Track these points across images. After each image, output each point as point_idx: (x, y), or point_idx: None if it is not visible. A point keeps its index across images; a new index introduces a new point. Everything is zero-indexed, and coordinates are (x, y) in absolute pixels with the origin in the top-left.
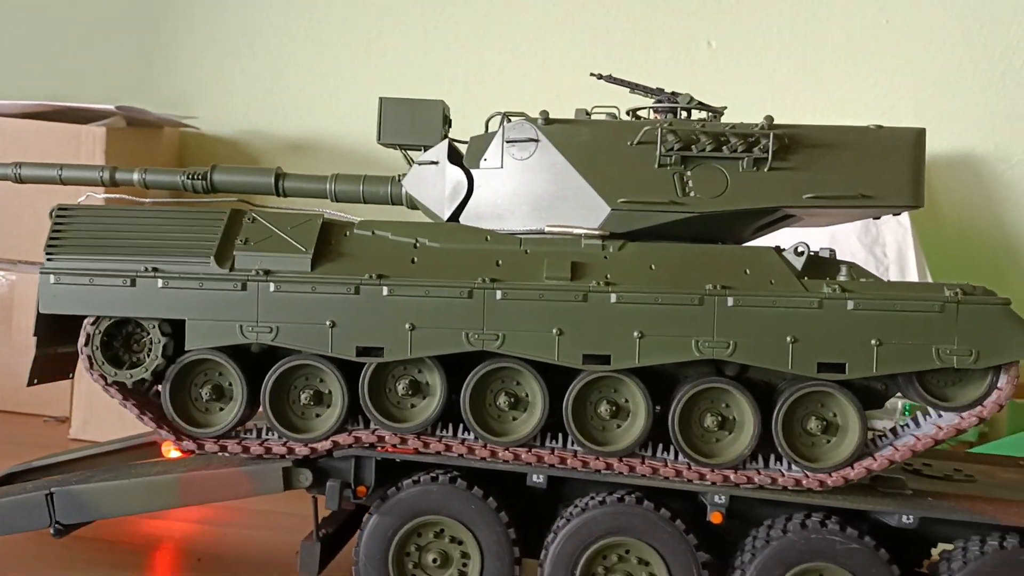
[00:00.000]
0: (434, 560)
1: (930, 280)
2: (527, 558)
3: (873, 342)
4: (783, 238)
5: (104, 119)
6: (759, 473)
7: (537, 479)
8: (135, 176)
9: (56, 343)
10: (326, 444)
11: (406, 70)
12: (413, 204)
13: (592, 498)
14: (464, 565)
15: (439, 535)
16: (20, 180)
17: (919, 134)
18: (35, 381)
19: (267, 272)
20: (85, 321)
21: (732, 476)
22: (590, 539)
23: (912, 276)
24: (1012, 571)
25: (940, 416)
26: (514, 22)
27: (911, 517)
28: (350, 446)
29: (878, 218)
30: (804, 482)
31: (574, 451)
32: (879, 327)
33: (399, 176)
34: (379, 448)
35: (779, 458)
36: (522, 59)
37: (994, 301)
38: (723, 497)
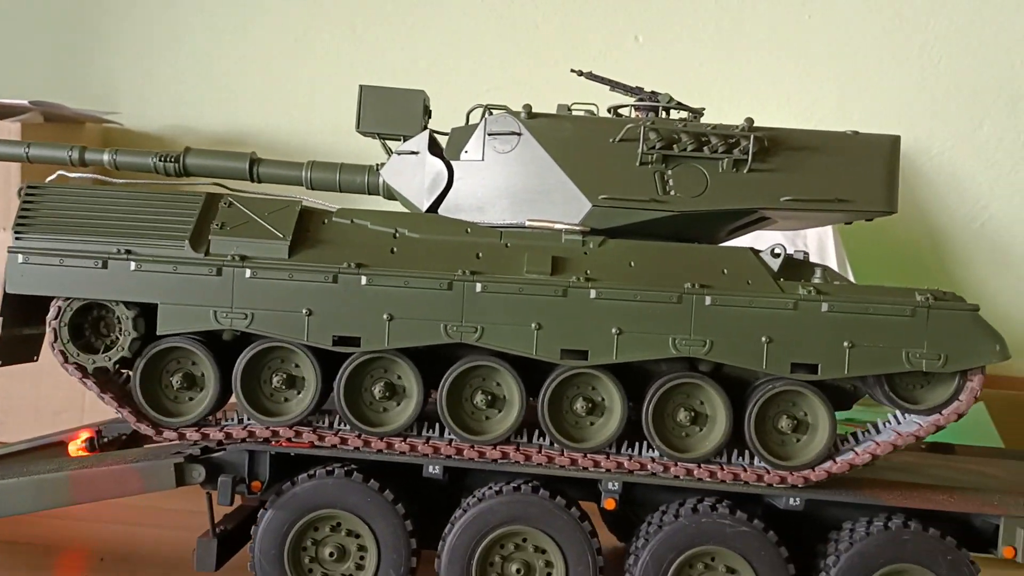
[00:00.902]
0: (331, 554)
1: (850, 273)
2: (428, 549)
3: (845, 344)
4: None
5: (19, 115)
6: (722, 469)
7: (433, 470)
8: (105, 157)
9: (22, 324)
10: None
11: (335, 64)
12: (390, 194)
13: (490, 488)
14: (361, 558)
15: (336, 529)
16: None
17: (894, 141)
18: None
19: (243, 257)
20: (53, 303)
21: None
22: (487, 528)
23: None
24: (895, 549)
25: (903, 420)
26: (442, 16)
27: (798, 499)
28: (243, 440)
29: (850, 223)
30: (766, 478)
31: (471, 443)
32: (852, 329)
33: (377, 165)
34: (273, 442)
35: (743, 454)
36: (451, 53)
37: (963, 307)
38: (616, 484)
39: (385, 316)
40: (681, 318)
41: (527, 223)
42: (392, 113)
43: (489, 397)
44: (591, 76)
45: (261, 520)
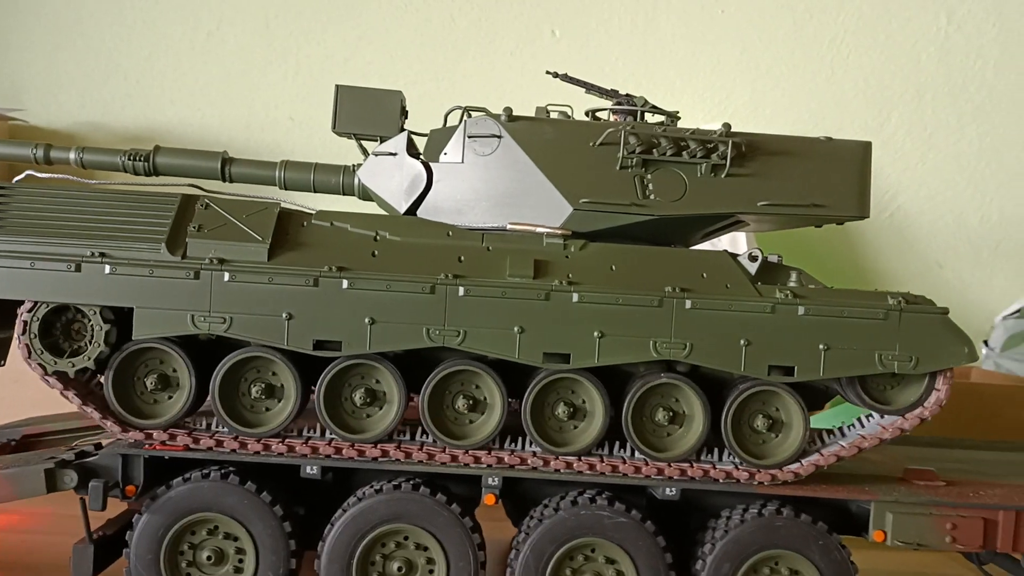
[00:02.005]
0: (208, 557)
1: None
2: (314, 551)
3: (821, 347)
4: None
5: None
6: (601, 461)
7: (311, 471)
8: (71, 155)
9: None
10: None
11: (248, 59)
12: (366, 195)
13: (371, 487)
14: (240, 561)
15: (213, 532)
16: None
17: (865, 147)
18: None
19: (221, 261)
20: (23, 306)
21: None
22: (367, 527)
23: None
24: (768, 536)
25: (882, 418)
26: (357, 10)
27: (673, 490)
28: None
29: (820, 226)
30: (751, 477)
31: (351, 442)
32: (827, 332)
33: (354, 166)
34: (146, 446)
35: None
36: (367, 47)
37: (934, 310)
38: (496, 479)
39: (367, 320)
40: (662, 321)
41: (509, 226)
42: (368, 113)
43: (471, 401)
44: (567, 78)
45: (136, 525)
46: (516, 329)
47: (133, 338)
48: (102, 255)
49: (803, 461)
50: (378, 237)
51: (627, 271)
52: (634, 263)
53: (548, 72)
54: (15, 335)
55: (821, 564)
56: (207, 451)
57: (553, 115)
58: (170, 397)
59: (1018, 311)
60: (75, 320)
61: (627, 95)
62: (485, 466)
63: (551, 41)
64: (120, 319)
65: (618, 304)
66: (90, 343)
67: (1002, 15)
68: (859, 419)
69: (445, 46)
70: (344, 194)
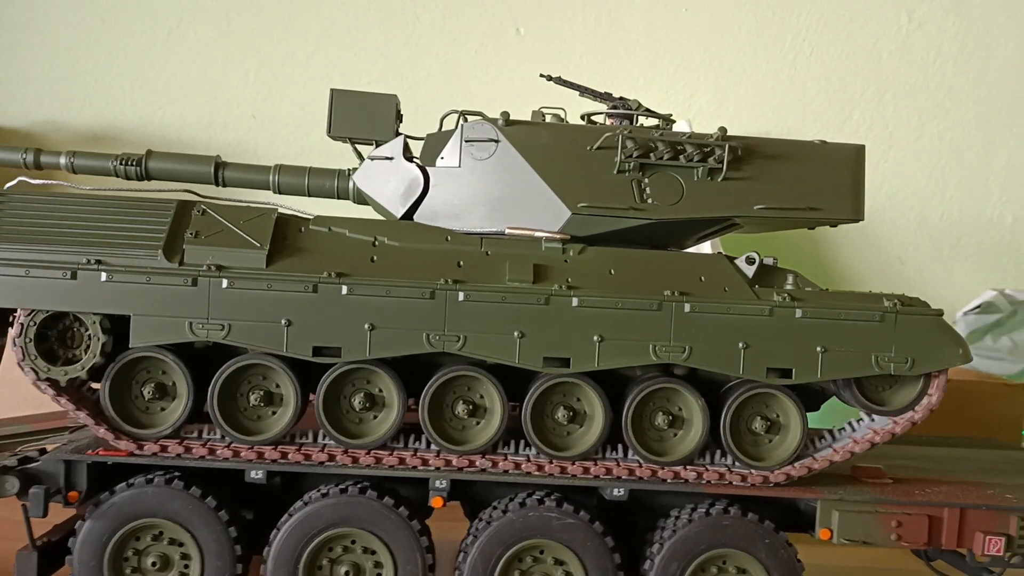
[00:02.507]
0: (153, 564)
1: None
2: (260, 554)
3: (818, 349)
4: None
5: None
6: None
7: (256, 475)
8: (62, 160)
9: None
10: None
11: (209, 57)
12: (361, 199)
13: (317, 491)
14: (185, 567)
15: (158, 538)
16: None
17: (859, 151)
18: None
19: (219, 267)
20: (18, 314)
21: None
22: (313, 532)
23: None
24: (715, 535)
25: (872, 420)
26: (319, 7)
27: (621, 490)
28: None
29: (812, 228)
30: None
31: (298, 446)
32: (824, 335)
33: (349, 170)
34: (88, 451)
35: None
36: (329, 44)
37: (929, 312)
38: (444, 482)
39: (366, 326)
40: (661, 325)
41: (507, 231)
42: (364, 117)
43: (471, 406)
44: (560, 81)
45: (79, 531)
46: (516, 334)
47: (130, 346)
48: (98, 262)
49: (795, 464)
50: (376, 242)
51: (626, 275)
52: (632, 267)
53: (542, 75)
54: (10, 337)
55: (768, 562)
56: (151, 456)
57: (548, 118)
58: (163, 409)
59: (979, 307)
60: (71, 327)
61: (621, 98)
62: (433, 469)
63: (515, 39)
64: (116, 328)
65: (617, 308)
66: (85, 352)
67: (961, 14)
68: (850, 423)
69: (408, 44)
70: (339, 198)
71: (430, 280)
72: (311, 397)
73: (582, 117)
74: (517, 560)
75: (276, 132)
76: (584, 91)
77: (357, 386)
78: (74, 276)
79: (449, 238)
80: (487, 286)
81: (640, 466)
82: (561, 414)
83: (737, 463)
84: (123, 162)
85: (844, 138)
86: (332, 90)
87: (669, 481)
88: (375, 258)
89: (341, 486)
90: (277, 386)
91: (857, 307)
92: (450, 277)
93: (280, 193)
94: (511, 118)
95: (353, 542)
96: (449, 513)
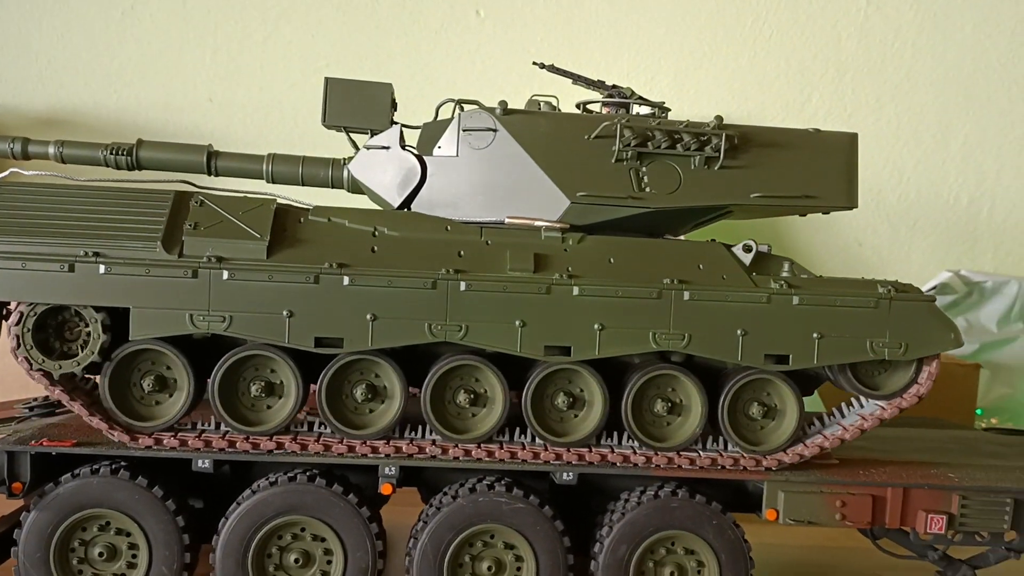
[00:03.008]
0: (100, 554)
1: None
2: (209, 544)
3: (815, 335)
4: None
5: None
6: (502, 447)
7: (203, 464)
8: (50, 149)
9: None
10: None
11: (165, 39)
12: (356, 188)
13: (266, 479)
14: (133, 556)
15: (104, 528)
16: None
17: (852, 139)
18: None
19: (220, 259)
20: (15, 307)
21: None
22: (262, 520)
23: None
24: (664, 517)
25: (861, 407)
26: None
27: (571, 474)
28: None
29: (804, 215)
30: (742, 462)
31: (245, 435)
32: (820, 321)
33: (345, 159)
34: (32, 442)
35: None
36: (286, 27)
37: (921, 298)
38: (392, 468)
39: (368, 316)
40: (661, 313)
41: (507, 220)
42: (359, 106)
43: (472, 395)
44: (553, 69)
45: (24, 523)
46: (518, 323)
47: (131, 339)
48: (96, 254)
49: (787, 450)
50: (377, 232)
51: (625, 263)
52: (632, 255)
53: (535, 63)
54: (8, 324)
55: (715, 543)
56: (95, 446)
57: (541, 106)
58: (158, 403)
59: (934, 288)
60: (69, 321)
61: (614, 86)
62: (383, 456)
63: (476, 21)
64: (115, 320)
65: (617, 296)
66: (82, 348)
67: None
68: (837, 408)
69: (368, 26)
70: (333, 187)
71: (431, 270)
72: (311, 388)
73: (577, 106)
74: (467, 545)
75: (234, 114)
76: (577, 79)
77: (356, 378)
78: (72, 269)
79: (449, 228)
80: (489, 276)
81: (590, 451)
82: (561, 400)
83: (738, 448)
84: (113, 151)
85: (804, 120)
86: (327, 79)
87: (619, 465)
88: (376, 248)
89: (290, 474)
90: (273, 371)
91: (852, 293)
92: (451, 267)
93: (273, 182)
94: (509, 107)
95: (303, 530)
96: (407, 498)
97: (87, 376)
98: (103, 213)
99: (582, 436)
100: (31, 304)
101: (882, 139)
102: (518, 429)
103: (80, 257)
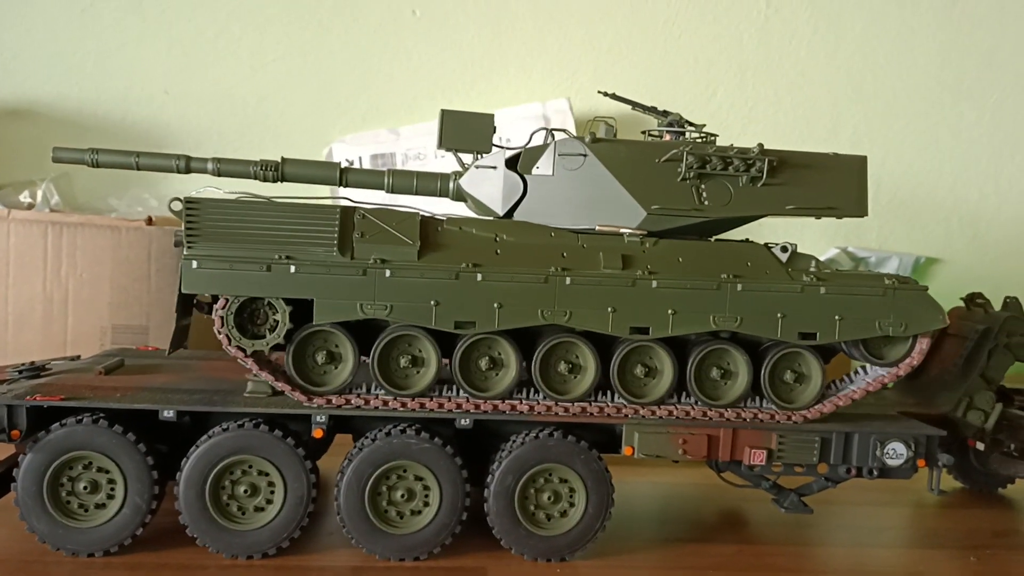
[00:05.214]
0: (85, 487)
1: None
2: (173, 481)
3: (837, 317)
4: None
5: None
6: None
7: (167, 415)
8: (209, 165)
9: (182, 318)
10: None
11: (123, 35)
12: (459, 197)
13: (219, 427)
14: (112, 489)
15: (88, 467)
16: (97, 165)
17: (862, 160)
18: (172, 350)
19: (383, 260)
20: (218, 304)
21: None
22: (216, 459)
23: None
24: (542, 452)
25: (867, 374)
26: None
27: (468, 420)
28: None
29: (819, 218)
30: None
31: (430, 397)
32: (841, 306)
33: (455, 174)
34: (28, 398)
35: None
36: (235, 24)
37: (918, 288)
38: (323, 416)
39: (496, 305)
40: (719, 301)
41: (597, 228)
42: (467, 133)
43: (570, 365)
44: (616, 97)
45: (22, 463)
46: (609, 309)
47: (314, 322)
48: (287, 257)
49: (809, 409)
50: (497, 238)
51: (690, 262)
52: (695, 255)
53: (600, 92)
54: (215, 328)
55: (583, 472)
56: (80, 400)
57: (599, 125)
58: (326, 372)
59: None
60: (256, 311)
61: (664, 111)
62: (315, 406)
63: (412, 20)
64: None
65: (686, 288)
66: (270, 331)
67: (815, 0)
68: (848, 375)
69: (311, 24)
70: (440, 196)
71: (543, 268)
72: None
73: (642, 133)
74: (384, 478)
75: (187, 106)
76: (635, 105)
77: (481, 351)
78: (269, 269)
79: (553, 234)
80: (587, 272)
81: (484, 401)
82: (639, 370)
83: (774, 406)
84: (262, 167)
85: (710, 113)
86: (442, 111)
87: (508, 413)
88: (499, 251)
89: (239, 422)
90: (420, 351)
91: (865, 284)
92: (558, 265)
93: (393, 192)
94: (597, 136)
95: (250, 467)
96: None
97: (269, 359)
98: (286, 224)
99: (656, 398)
100: (224, 306)
101: (779, 130)
102: (445, 386)
103: (275, 260)
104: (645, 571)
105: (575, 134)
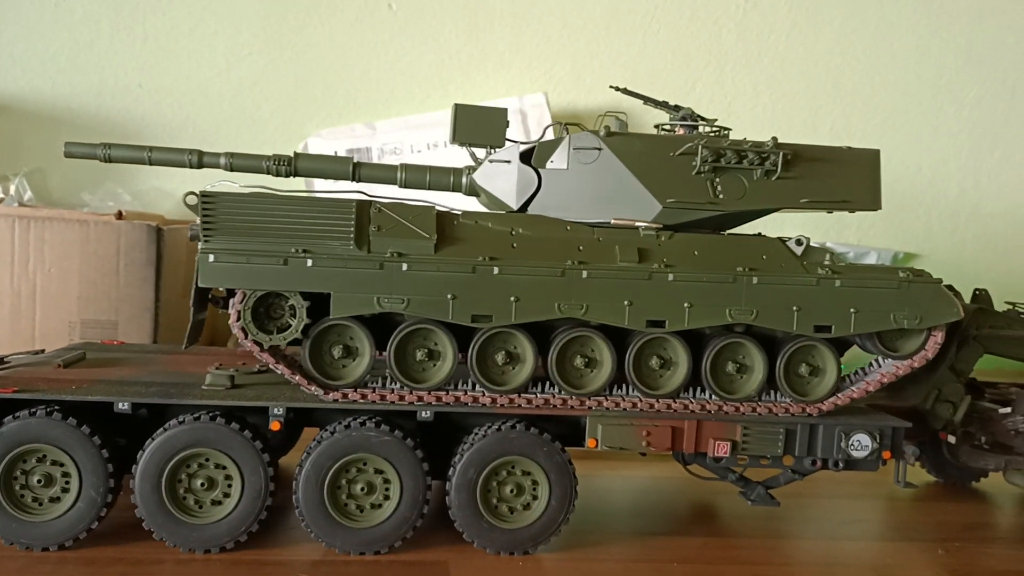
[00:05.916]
0: (39, 480)
1: None
2: (129, 474)
3: (851, 310)
4: None
5: None
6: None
7: (122, 407)
8: (222, 160)
9: (199, 312)
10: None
11: (96, 29)
12: (472, 192)
13: (176, 419)
14: (67, 483)
15: (42, 460)
16: (109, 160)
17: (876, 154)
18: (188, 344)
19: (399, 254)
20: (235, 298)
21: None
22: (172, 452)
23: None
24: (505, 445)
25: (880, 367)
26: None
27: (428, 412)
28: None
29: (831, 212)
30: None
31: (446, 391)
32: (856, 299)
33: (467, 168)
34: None
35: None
36: (210, 18)
37: (932, 281)
38: (280, 409)
39: (512, 298)
40: (735, 294)
41: (613, 221)
42: (480, 127)
43: (586, 360)
44: (627, 92)
45: None
46: (626, 303)
47: (331, 316)
48: (304, 251)
49: (825, 401)
50: (513, 232)
51: (706, 255)
52: (711, 249)
53: (612, 87)
54: (231, 322)
55: (545, 465)
56: (33, 392)
57: (610, 119)
58: (344, 366)
59: None
60: (273, 306)
61: (675, 106)
62: (271, 399)
63: (389, 14)
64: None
65: (702, 282)
66: (287, 326)
67: None
68: (862, 368)
69: (288, 17)
70: (452, 191)
71: (559, 261)
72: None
73: (655, 127)
74: (344, 471)
75: (162, 100)
76: (647, 100)
77: (499, 345)
78: (286, 263)
79: (568, 227)
80: (603, 266)
81: (446, 393)
82: (655, 362)
83: (789, 399)
84: (276, 162)
85: (689, 107)
86: (455, 105)
87: (470, 405)
88: (515, 245)
89: (195, 415)
90: (436, 344)
91: (880, 277)
92: (575, 259)
93: (406, 187)
94: (611, 131)
95: (207, 460)
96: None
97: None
98: (303, 217)
99: (671, 390)
100: (242, 300)
101: (758, 124)
102: (388, 378)
103: (292, 254)
104: (609, 563)
105: (551, 127)
